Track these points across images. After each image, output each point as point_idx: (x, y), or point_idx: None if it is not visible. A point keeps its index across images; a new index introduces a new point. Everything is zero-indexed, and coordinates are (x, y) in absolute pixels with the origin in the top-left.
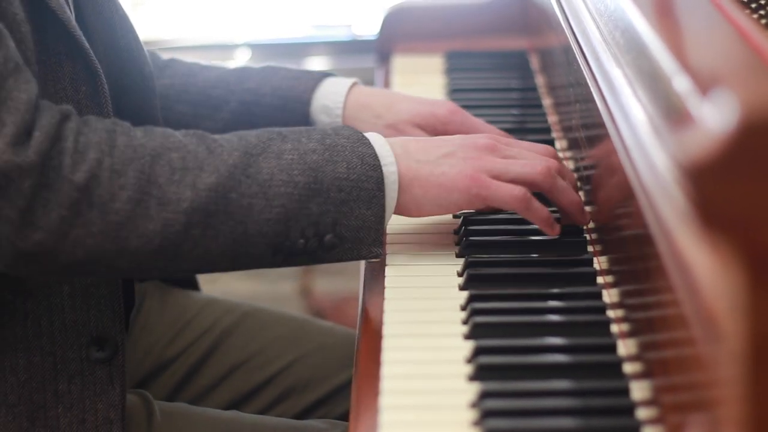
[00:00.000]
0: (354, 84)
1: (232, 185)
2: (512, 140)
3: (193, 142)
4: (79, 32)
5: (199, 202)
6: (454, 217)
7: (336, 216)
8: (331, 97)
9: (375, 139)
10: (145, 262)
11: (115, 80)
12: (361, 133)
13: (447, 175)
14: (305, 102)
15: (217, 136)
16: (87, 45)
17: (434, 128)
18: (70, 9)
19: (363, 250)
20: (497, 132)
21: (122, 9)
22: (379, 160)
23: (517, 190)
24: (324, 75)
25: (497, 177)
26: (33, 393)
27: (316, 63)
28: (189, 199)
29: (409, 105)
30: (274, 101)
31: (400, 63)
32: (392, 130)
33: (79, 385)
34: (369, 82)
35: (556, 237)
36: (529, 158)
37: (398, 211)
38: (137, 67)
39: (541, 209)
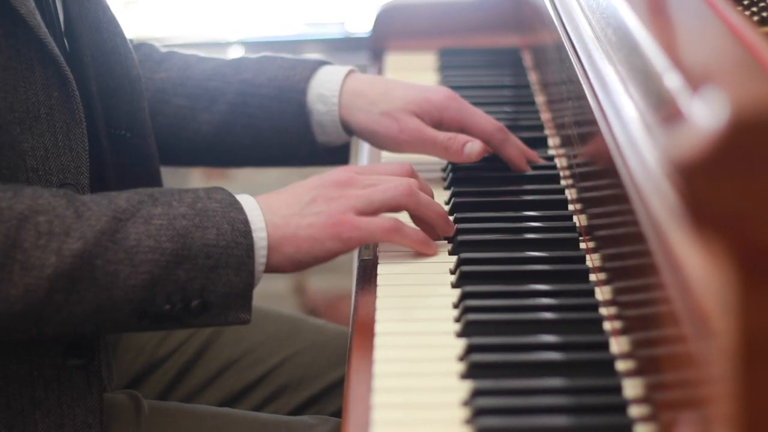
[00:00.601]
0: (350, 72)
1: (98, 252)
2: (367, 167)
3: (62, 204)
4: (49, 39)
5: (64, 269)
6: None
7: (203, 282)
8: (327, 86)
9: (246, 202)
10: (7, 326)
11: (103, 82)
12: (233, 197)
13: (315, 225)
14: (301, 91)
15: (87, 198)
16: (57, 51)
17: (430, 115)
18: (53, 14)
19: (230, 315)
20: (492, 122)
21: (110, 11)
22: (250, 226)
23: (386, 222)
24: (320, 63)
25: (363, 211)
26: (10, 399)
27: None
28: (53, 266)
29: (405, 92)
30: (270, 92)
31: (392, 60)
32: (387, 117)
33: (56, 391)
34: None
35: (549, 235)
36: (387, 182)
37: (273, 271)
38: (124, 70)
39: (413, 233)
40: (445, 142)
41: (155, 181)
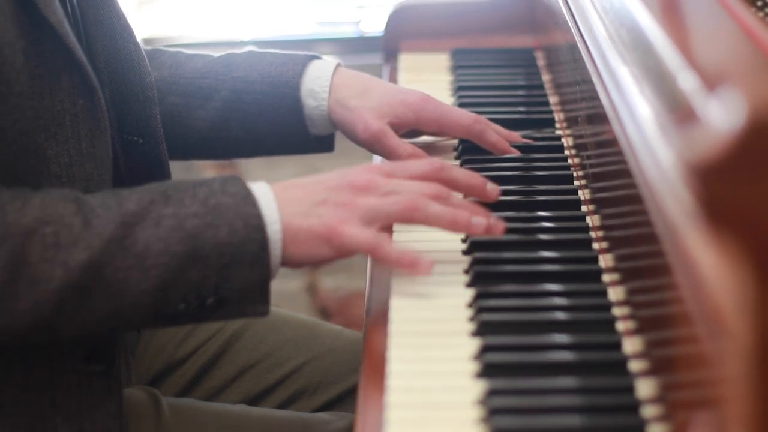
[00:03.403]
0: (337, 66)
1: (106, 260)
2: (394, 165)
3: (70, 212)
4: (77, 47)
5: (71, 281)
6: None
7: (218, 280)
8: (317, 82)
9: (261, 193)
10: (19, 338)
11: (116, 89)
12: (247, 189)
13: (313, 229)
14: (295, 87)
15: (96, 201)
16: (85, 60)
17: (406, 116)
18: (71, 20)
19: (248, 309)
20: (468, 116)
21: (124, 18)
22: (263, 220)
23: (370, 240)
24: (309, 58)
25: (368, 222)
26: (30, 404)
27: None
28: (60, 278)
29: (382, 93)
30: (264, 88)
31: (406, 60)
32: (355, 114)
33: (76, 396)
34: None
35: (562, 236)
36: (404, 189)
37: (284, 264)
38: (137, 77)
39: (393, 254)
40: (404, 158)
41: None
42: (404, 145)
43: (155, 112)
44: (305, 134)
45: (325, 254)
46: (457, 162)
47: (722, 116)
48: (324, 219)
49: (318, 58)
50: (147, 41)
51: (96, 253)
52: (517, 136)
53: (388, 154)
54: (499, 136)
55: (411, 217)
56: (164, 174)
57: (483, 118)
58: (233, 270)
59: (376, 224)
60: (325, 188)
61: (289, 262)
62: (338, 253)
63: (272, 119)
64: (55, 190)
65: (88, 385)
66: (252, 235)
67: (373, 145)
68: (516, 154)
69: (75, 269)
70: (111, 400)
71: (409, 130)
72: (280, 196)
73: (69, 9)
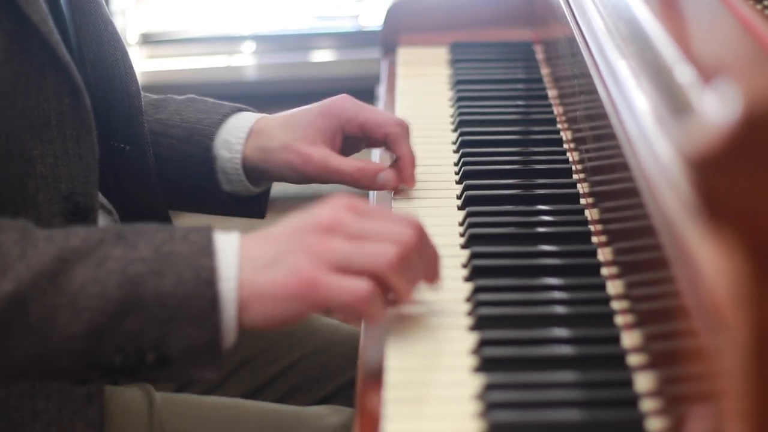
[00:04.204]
0: (260, 118)
1: (32, 295)
2: (366, 206)
3: (12, 240)
4: (60, 45)
5: None
6: (458, 208)
7: (159, 335)
8: (234, 132)
9: (226, 246)
10: None
11: (102, 96)
12: (211, 238)
13: (277, 283)
14: (208, 135)
15: (44, 233)
16: (69, 59)
17: (331, 125)
18: (62, 24)
19: (193, 371)
20: (390, 115)
21: (112, 26)
22: (215, 275)
23: (360, 290)
24: (237, 109)
25: (341, 269)
26: (11, 411)
27: (321, 54)
28: None
29: (302, 116)
30: (180, 133)
31: (404, 54)
32: (288, 150)
33: (56, 404)
34: (375, 73)
35: (561, 229)
36: (375, 233)
37: (248, 328)
38: (123, 85)
39: (382, 313)
40: (354, 174)
41: (153, 193)
42: (349, 164)
43: (141, 120)
44: (216, 189)
45: (299, 311)
46: (456, 155)
47: (720, 109)
48: (292, 270)
49: (247, 110)
50: (145, 36)
51: (23, 284)
52: (413, 181)
53: (338, 177)
54: (411, 153)
55: (384, 276)
56: (151, 182)
57: (405, 123)
58: (176, 326)
59: (348, 275)
60: (289, 234)
61: (261, 324)
62: (315, 307)
63: (184, 168)
64: (7, 219)
65: (69, 393)
66: (201, 289)
67: (323, 175)
68: (542, 166)
69: None
70: (92, 409)
71: (343, 137)
72: (247, 250)
73: (58, 14)
